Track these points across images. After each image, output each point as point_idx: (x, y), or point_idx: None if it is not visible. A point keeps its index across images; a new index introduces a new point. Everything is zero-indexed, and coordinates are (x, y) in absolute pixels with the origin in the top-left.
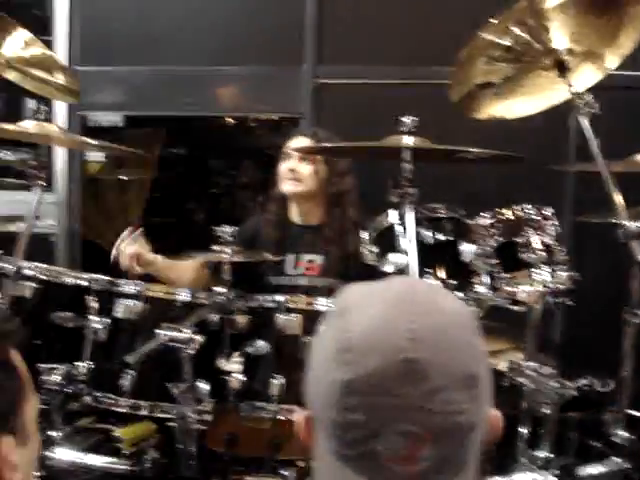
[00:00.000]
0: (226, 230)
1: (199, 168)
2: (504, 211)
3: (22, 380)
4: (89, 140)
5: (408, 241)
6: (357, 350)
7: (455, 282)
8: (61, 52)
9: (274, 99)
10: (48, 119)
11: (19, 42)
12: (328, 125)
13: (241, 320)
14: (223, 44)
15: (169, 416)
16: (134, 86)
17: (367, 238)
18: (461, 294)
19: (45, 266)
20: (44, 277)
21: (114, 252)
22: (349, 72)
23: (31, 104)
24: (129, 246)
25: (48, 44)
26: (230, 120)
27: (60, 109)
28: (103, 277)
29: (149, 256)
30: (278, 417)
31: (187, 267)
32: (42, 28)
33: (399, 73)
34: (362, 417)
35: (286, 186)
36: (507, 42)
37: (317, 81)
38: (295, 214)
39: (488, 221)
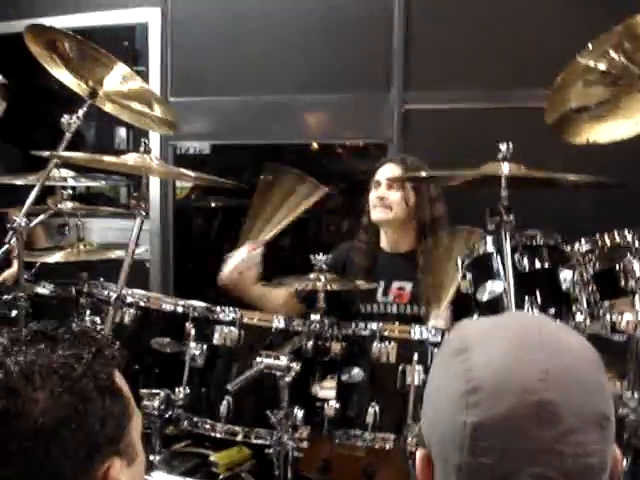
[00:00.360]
0: (320, 258)
1: None
2: (602, 237)
3: (127, 402)
4: (187, 172)
5: (504, 269)
6: (486, 392)
7: (553, 310)
8: (154, 84)
9: (362, 126)
10: (148, 151)
11: (118, 76)
12: (415, 150)
13: (335, 347)
14: (310, 72)
15: (264, 442)
16: (224, 116)
17: (461, 265)
18: (559, 322)
19: (145, 292)
20: (143, 304)
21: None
22: (436, 98)
23: (122, 132)
24: (241, 260)
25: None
26: (315, 146)
27: (153, 138)
28: (201, 304)
29: (250, 281)
30: (372, 445)
31: (278, 295)
32: (132, 59)
33: (486, 98)
34: (492, 460)
35: (375, 214)
36: (603, 66)
37: (405, 107)
38: (385, 242)
39: (586, 247)
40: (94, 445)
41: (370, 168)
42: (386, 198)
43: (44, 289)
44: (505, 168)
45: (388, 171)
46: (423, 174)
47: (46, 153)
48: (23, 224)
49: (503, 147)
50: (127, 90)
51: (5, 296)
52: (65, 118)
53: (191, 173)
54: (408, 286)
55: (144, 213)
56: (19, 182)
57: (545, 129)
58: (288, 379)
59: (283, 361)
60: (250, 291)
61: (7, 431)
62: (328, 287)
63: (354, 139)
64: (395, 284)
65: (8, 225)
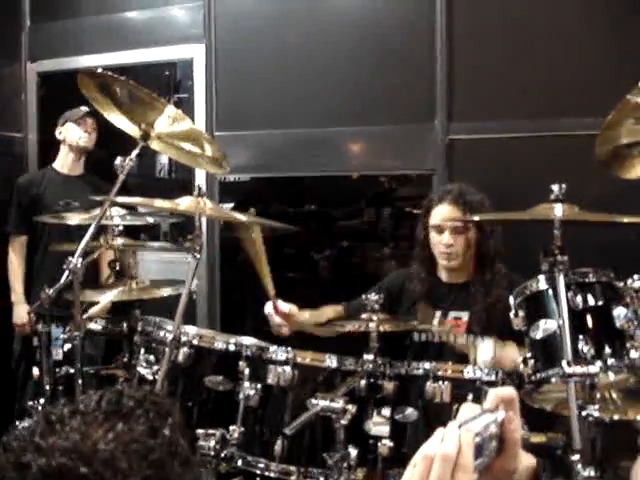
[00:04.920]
0: (372, 298)
1: (329, 223)
2: None
3: (195, 461)
4: (239, 216)
5: (559, 308)
6: None
7: (608, 348)
8: (199, 119)
9: (406, 156)
10: (202, 194)
11: (168, 118)
12: (460, 181)
13: (388, 386)
14: (354, 105)
15: None
16: (268, 149)
17: (513, 303)
18: (614, 360)
19: (197, 330)
20: (196, 342)
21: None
22: (480, 128)
23: (164, 159)
24: (274, 315)
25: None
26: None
27: (199, 172)
28: (252, 341)
29: (296, 317)
30: None
31: (326, 314)
32: (175, 89)
33: (530, 127)
34: None
35: (443, 261)
36: None
37: (448, 137)
38: (443, 273)
39: (639, 284)
40: None
41: (411, 194)
42: (453, 245)
43: (96, 325)
44: (558, 211)
45: (447, 214)
46: (475, 217)
47: (99, 198)
48: (79, 265)
49: (556, 188)
50: (178, 131)
51: (62, 335)
52: (119, 160)
53: (243, 218)
54: (465, 316)
55: (199, 256)
56: (71, 222)
57: (590, 157)
58: (344, 422)
59: (339, 404)
60: (302, 325)
61: None
62: (381, 328)
63: (398, 170)
64: (452, 314)
65: (64, 266)
